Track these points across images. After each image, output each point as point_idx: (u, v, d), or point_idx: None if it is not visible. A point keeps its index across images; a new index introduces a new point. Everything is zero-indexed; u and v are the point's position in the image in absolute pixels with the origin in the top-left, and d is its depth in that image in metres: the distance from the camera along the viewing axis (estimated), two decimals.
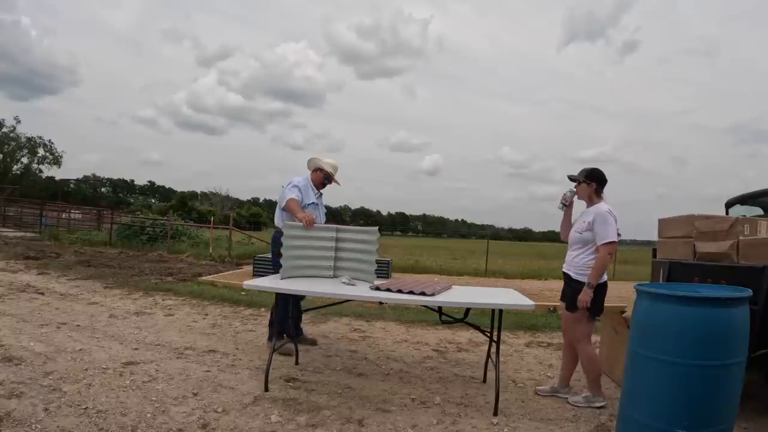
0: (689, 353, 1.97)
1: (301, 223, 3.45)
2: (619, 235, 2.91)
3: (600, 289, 2.85)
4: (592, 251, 2.89)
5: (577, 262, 2.94)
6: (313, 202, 3.86)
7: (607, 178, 3.00)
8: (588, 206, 3.02)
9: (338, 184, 4.09)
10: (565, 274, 3.04)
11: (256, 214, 70.48)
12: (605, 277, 2.88)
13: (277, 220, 3.89)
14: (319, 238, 3.47)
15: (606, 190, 3.01)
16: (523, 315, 5.37)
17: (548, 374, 3.63)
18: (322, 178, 3.98)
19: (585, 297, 2.81)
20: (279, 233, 3.73)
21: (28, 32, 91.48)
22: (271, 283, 3.07)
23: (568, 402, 2.97)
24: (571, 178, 3.08)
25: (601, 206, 2.90)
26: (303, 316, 4.18)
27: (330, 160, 4.02)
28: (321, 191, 4.03)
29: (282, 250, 3.31)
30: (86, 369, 3.12)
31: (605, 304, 2.96)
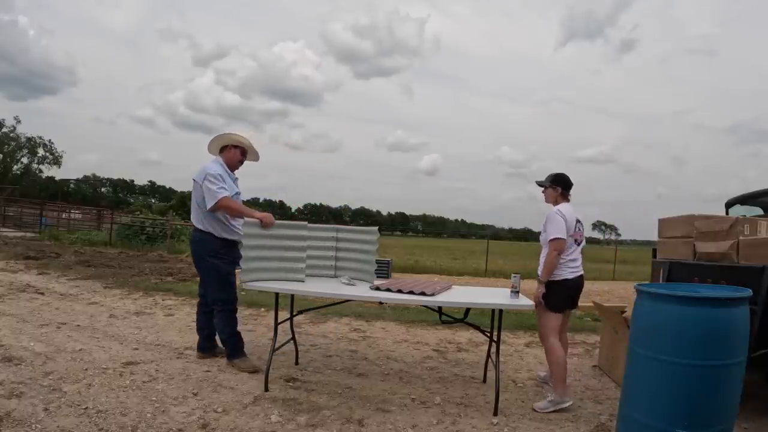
0: (689, 353, 1.97)
1: (257, 221, 3.07)
2: (578, 231, 3.01)
3: (556, 286, 2.93)
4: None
5: (540, 262, 3.08)
6: (237, 192, 3.30)
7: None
8: None
9: (256, 159, 3.53)
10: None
11: None
12: (567, 275, 2.94)
13: (195, 217, 3.29)
14: (293, 237, 3.19)
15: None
16: (523, 315, 5.36)
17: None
18: (240, 156, 3.39)
19: (536, 293, 2.94)
20: (209, 236, 3.25)
21: (26, 32, 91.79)
22: (270, 283, 3.06)
23: (534, 410, 2.85)
24: (539, 184, 3.23)
25: (554, 207, 3.04)
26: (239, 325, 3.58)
27: (240, 134, 3.44)
28: (235, 174, 3.47)
29: (242, 251, 3.01)
30: (86, 369, 3.12)
31: (608, 305, 2.96)
